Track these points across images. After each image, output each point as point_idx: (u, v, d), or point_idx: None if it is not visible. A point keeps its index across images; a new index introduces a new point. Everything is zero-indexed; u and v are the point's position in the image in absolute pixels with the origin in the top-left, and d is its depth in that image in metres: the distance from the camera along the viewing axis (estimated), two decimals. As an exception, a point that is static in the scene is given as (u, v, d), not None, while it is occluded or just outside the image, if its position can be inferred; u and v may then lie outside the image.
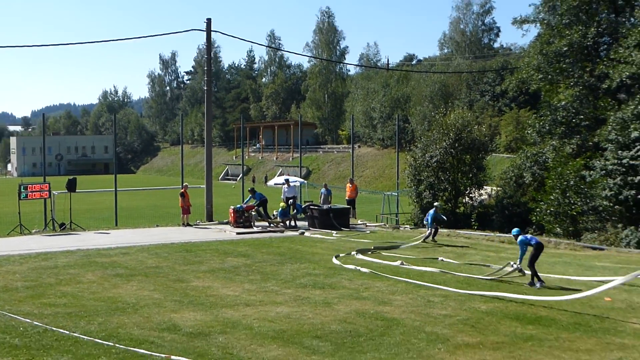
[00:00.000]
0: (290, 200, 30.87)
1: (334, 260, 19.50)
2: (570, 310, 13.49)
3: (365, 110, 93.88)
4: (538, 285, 16.00)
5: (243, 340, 11.17)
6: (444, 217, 27.25)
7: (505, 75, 58.30)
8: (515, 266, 16.93)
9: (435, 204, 26.68)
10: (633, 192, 27.35)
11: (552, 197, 30.13)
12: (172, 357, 10.02)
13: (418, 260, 19.81)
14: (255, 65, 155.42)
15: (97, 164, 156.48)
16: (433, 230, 24.96)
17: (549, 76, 36.01)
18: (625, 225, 27.48)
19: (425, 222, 25.86)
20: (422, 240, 24.58)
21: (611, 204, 28.15)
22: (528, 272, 16.57)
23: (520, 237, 16.72)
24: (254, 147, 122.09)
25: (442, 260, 20.22)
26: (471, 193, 36.63)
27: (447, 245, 24.13)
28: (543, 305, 13.94)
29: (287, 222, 29.08)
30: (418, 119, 77.59)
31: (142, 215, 41.24)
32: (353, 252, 21.09)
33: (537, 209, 31.00)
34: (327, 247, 23.16)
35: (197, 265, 18.88)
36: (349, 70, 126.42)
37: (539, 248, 16.41)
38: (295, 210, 30.12)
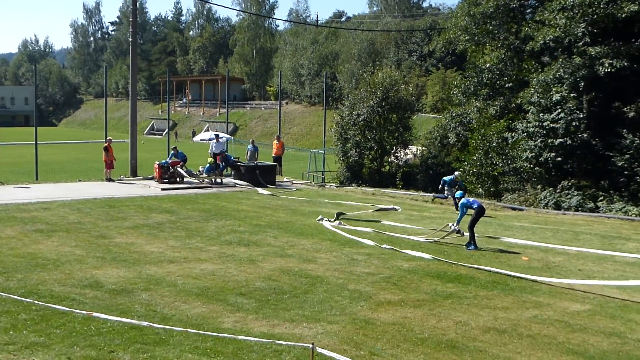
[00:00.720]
0: (220, 156, 30.52)
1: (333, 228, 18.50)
2: (489, 270, 13.86)
3: (294, 66, 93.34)
4: (471, 247, 16.18)
5: (167, 297, 11.12)
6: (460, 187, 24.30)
7: (433, 36, 58.70)
8: (453, 227, 16.88)
9: (456, 173, 25.08)
10: (552, 154, 28.08)
11: (475, 158, 30.71)
12: (94, 314, 9.90)
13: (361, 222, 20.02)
14: (183, 18, 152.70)
15: (17, 116, 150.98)
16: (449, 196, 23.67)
17: (475, 37, 36.40)
18: (544, 186, 28.26)
19: (447, 192, 24.08)
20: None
21: (531, 166, 28.87)
22: (467, 234, 16.66)
23: (462, 200, 16.72)
24: (181, 102, 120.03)
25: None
26: (397, 152, 37.02)
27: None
28: (463, 264, 14.33)
29: (214, 179, 28.90)
30: (346, 77, 77.64)
31: (64, 169, 40.26)
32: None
33: (461, 169, 31.55)
34: (253, 204, 23.16)
35: (120, 221, 18.62)
36: (278, 26, 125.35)
37: (480, 212, 16.49)
38: (223, 164, 29.82)
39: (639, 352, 9.31)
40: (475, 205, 16.55)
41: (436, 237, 17.32)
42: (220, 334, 9.18)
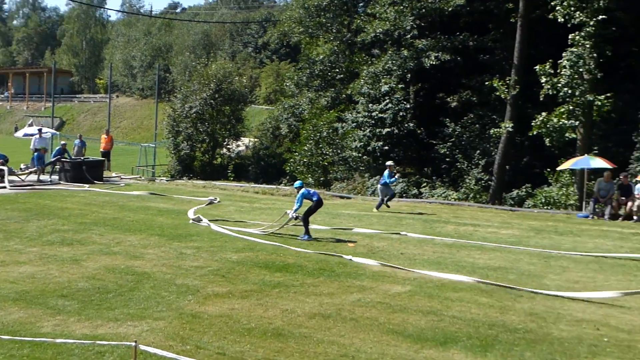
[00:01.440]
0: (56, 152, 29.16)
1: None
2: (315, 258, 14.15)
3: (125, 58, 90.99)
4: (305, 237, 16.18)
5: (-20, 304, 10.51)
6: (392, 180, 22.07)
7: (268, 28, 59.10)
8: (291, 215, 16.67)
9: (388, 163, 22.62)
10: (380, 143, 29.08)
11: (306, 148, 31.24)
12: None
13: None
14: (6, 6, 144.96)
15: None
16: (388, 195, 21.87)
17: (309, 30, 37.09)
18: (371, 174, 29.20)
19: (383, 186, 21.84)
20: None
21: (360, 155, 29.75)
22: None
23: (302, 190, 16.59)
24: (2, 96, 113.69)
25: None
26: (229, 144, 37.03)
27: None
28: (291, 254, 14.54)
29: (38, 176, 27.66)
30: (179, 69, 76.57)
31: None
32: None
33: (292, 160, 31.98)
34: (79, 201, 22.32)
35: None
36: (110, 16, 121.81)
37: (318, 204, 16.51)
38: (53, 157, 28.62)
39: (453, 328, 9.80)
40: (314, 198, 16.56)
41: (273, 229, 17.19)
42: (37, 339, 8.78)
